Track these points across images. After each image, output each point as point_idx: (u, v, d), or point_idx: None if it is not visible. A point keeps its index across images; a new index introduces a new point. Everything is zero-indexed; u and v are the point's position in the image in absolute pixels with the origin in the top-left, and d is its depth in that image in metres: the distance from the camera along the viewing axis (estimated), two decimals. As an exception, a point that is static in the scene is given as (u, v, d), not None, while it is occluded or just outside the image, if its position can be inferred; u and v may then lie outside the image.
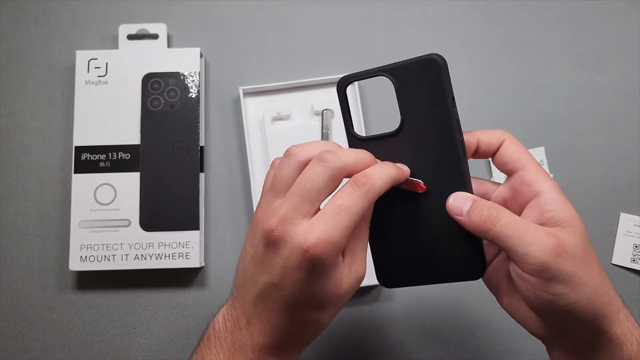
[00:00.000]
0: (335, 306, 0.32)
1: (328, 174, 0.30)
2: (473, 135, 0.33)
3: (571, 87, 0.57)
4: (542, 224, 0.31)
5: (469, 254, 0.33)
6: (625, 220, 0.54)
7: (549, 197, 0.31)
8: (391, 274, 0.35)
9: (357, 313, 0.52)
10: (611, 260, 0.53)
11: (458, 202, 0.31)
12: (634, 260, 0.53)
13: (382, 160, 0.33)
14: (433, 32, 0.58)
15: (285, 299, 0.31)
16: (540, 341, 0.34)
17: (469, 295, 0.52)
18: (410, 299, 0.52)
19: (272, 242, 0.30)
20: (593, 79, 0.57)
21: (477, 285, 0.53)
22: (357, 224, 0.30)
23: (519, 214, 0.32)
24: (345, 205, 0.30)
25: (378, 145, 0.33)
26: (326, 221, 0.29)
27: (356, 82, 0.33)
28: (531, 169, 0.32)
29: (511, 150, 0.33)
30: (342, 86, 0.34)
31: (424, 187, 0.33)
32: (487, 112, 0.56)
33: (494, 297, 0.35)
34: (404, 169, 0.33)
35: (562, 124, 0.56)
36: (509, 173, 0.34)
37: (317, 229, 0.29)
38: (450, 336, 0.52)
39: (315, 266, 0.29)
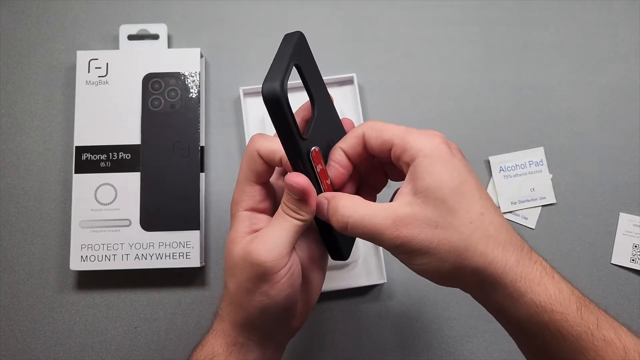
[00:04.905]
0: (231, 268, 0.34)
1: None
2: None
3: (571, 87, 0.57)
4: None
5: None
6: (625, 220, 0.54)
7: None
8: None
9: (357, 312, 0.52)
10: (611, 260, 0.53)
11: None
12: (633, 260, 0.53)
13: (323, 139, 0.34)
14: (433, 32, 0.58)
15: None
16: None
17: (469, 295, 0.52)
18: (410, 299, 0.52)
19: None
20: (593, 79, 0.57)
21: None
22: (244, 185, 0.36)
23: None
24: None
25: (317, 132, 0.33)
26: None
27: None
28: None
29: (376, 140, 0.33)
30: (283, 93, 0.29)
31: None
32: (487, 112, 0.56)
33: None
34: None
35: (562, 124, 0.56)
36: (404, 165, 0.32)
37: None
38: (450, 336, 0.52)
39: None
